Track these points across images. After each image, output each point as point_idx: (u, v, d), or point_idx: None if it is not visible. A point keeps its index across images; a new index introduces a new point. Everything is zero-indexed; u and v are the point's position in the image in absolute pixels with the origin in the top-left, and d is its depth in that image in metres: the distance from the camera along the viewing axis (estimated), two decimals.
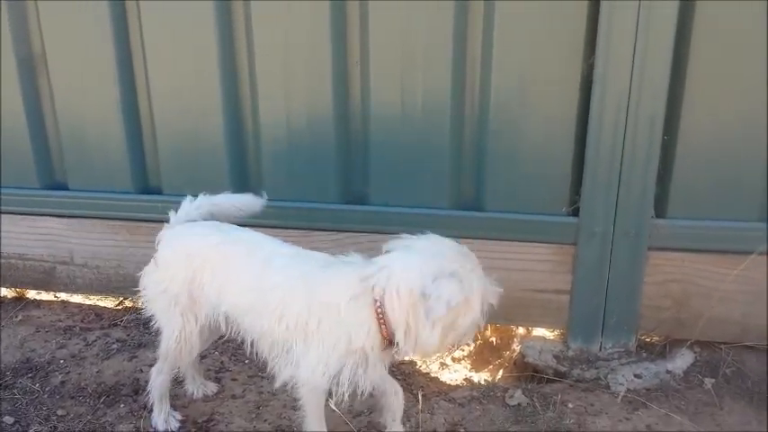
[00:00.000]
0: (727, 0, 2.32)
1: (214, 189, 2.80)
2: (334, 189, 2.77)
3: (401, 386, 2.18)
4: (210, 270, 2.12)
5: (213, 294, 2.12)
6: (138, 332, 2.90)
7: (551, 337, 2.79)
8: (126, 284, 3.04)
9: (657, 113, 2.42)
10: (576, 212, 2.60)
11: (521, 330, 2.94)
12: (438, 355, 2.18)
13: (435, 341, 1.82)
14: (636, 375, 2.49)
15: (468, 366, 2.89)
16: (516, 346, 2.84)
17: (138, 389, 2.52)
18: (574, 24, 2.42)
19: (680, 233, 2.55)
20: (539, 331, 2.85)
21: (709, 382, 2.48)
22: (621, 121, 2.43)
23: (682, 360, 2.58)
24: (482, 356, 2.93)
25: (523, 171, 2.60)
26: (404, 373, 2.62)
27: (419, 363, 2.72)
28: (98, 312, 3.11)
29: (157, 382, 2.33)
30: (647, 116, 2.42)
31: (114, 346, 2.82)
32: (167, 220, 2.30)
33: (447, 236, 1.99)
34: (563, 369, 2.57)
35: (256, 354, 2.10)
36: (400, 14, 2.52)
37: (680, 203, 2.54)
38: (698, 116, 2.45)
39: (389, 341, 1.89)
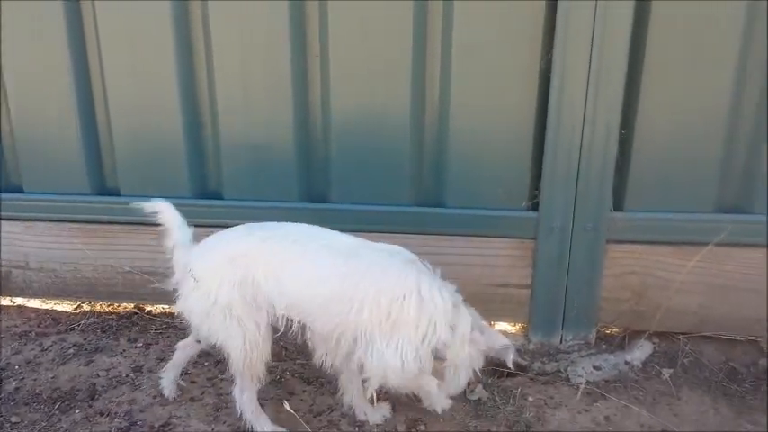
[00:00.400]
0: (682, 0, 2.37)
1: (173, 190, 2.80)
2: (296, 188, 2.74)
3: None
4: (264, 268, 2.07)
5: (273, 292, 2.07)
6: (95, 336, 2.85)
7: (513, 331, 2.80)
8: (83, 288, 2.99)
9: (614, 108, 2.44)
10: (535, 207, 2.61)
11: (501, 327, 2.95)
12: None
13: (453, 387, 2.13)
14: (595, 367, 2.51)
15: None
16: None
17: (94, 394, 2.47)
18: (532, 21, 2.43)
19: (637, 226, 2.58)
20: (501, 325, 2.86)
21: (667, 372, 2.51)
22: (579, 116, 2.45)
23: (640, 351, 2.60)
24: None
25: (483, 167, 2.60)
26: None
27: None
28: (55, 317, 3.05)
29: (244, 400, 2.21)
30: (603, 111, 2.44)
31: (71, 350, 2.76)
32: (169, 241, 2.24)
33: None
34: (524, 362, 2.58)
35: (310, 344, 2.14)
36: (359, 14, 2.51)
37: (637, 196, 2.57)
38: (654, 110, 2.48)
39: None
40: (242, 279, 2.07)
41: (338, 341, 2.06)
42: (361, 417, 2.31)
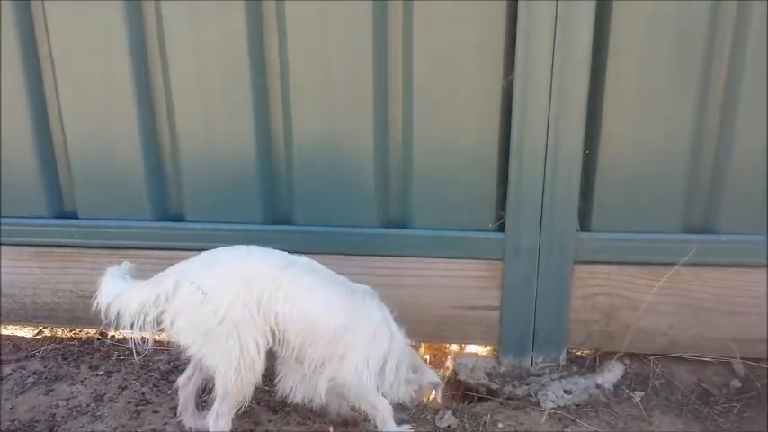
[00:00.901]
0: (641, 16, 2.35)
1: (132, 212, 2.74)
2: (260, 210, 2.69)
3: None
4: (285, 291, 2.08)
5: (289, 315, 2.08)
6: (55, 364, 2.77)
7: (484, 354, 2.76)
8: (43, 314, 2.91)
9: (577, 129, 2.42)
10: (502, 228, 2.58)
11: (454, 347, 2.91)
12: None
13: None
14: (566, 391, 2.47)
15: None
16: (450, 364, 2.80)
17: (54, 426, 2.40)
18: (493, 41, 2.40)
19: (604, 246, 2.55)
20: (472, 348, 2.82)
21: (638, 395, 2.48)
22: (542, 136, 2.43)
23: (611, 373, 2.57)
24: None
25: (448, 188, 2.57)
26: None
27: None
28: (16, 343, 2.96)
29: (219, 425, 2.14)
30: (567, 131, 2.42)
31: (30, 379, 2.68)
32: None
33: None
34: (495, 386, 2.54)
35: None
36: (318, 34, 2.47)
37: (603, 217, 2.54)
38: (617, 131, 2.46)
39: None
40: (256, 298, 2.06)
41: (327, 364, 2.15)
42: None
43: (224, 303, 2.03)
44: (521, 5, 2.33)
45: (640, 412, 2.42)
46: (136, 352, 2.22)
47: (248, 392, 2.12)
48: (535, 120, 2.42)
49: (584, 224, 2.56)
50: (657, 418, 2.40)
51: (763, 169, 2.46)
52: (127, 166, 2.70)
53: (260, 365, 2.09)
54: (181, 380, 2.33)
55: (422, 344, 2.88)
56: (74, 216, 2.80)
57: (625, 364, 2.62)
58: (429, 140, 2.53)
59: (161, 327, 2.11)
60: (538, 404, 2.45)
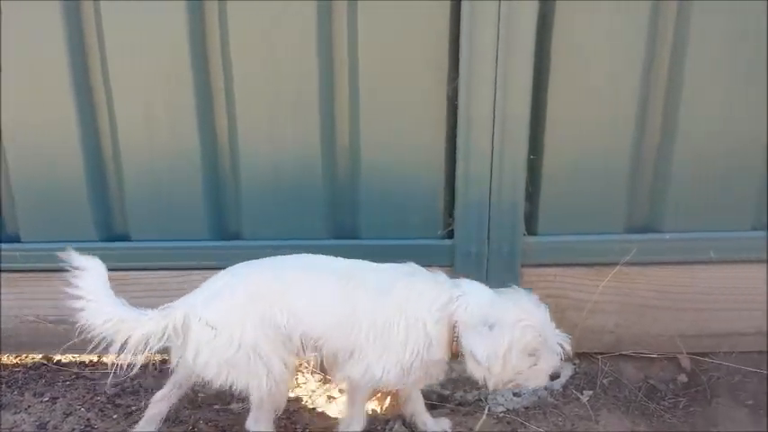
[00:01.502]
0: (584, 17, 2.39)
1: (76, 233, 2.67)
2: (207, 226, 2.65)
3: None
4: (279, 303, 2.10)
5: (289, 323, 2.10)
6: None
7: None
8: None
9: (522, 134, 2.46)
10: (451, 235, 2.60)
11: None
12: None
13: (478, 378, 2.08)
14: (515, 394, 2.50)
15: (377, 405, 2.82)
16: None
17: None
18: (436, 48, 2.42)
19: (551, 249, 2.60)
20: None
21: (587, 394, 2.52)
22: (487, 142, 2.46)
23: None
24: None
25: (397, 197, 2.58)
26: (288, 411, 2.53)
27: (305, 398, 2.64)
28: None
29: (260, 428, 2.19)
30: (512, 137, 2.45)
31: None
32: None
33: None
34: (446, 393, 2.55)
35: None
36: (263, 48, 2.45)
37: (550, 220, 2.59)
38: (561, 134, 2.50)
39: (455, 356, 2.14)
40: (261, 317, 2.08)
41: (341, 360, 2.15)
42: (421, 428, 2.39)
43: (236, 331, 2.06)
44: (464, 6, 2.34)
45: (588, 412, 2.45)
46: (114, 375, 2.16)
47: (283, 400, 2.19)
48: (480, 126, 2.45)
49: (532, 228, 2.60)
50: (604, 417, 2.44)
51: (705, 168, 2.53)
52: (70, 188, 2.63)
53: (288, 374, 2.14)
54: (157, 396, 2.32)
55: None
56: (16, 239, 2.72)
57: (574, 364, 2.66)
58: (376, 148, 2.53)
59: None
60: (488, 409, 2.47)
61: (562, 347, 2.07)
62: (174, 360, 2.16)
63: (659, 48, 2.43)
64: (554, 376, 2.08)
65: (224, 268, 2.61)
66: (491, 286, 2.52)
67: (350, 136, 2.55)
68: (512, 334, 1.99)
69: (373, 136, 2.52)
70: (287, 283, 2.14)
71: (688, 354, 2.68)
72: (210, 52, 2.49)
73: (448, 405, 2.51)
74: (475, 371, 2.06)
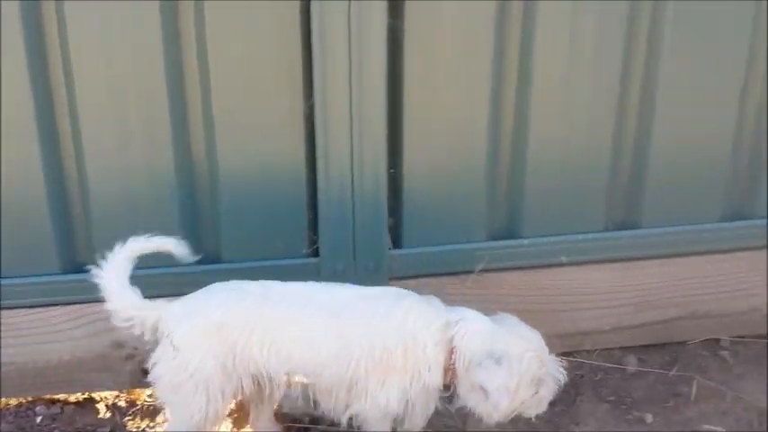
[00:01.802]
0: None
1: (38, 262, 2.47)
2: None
3: None
4: (260, 336, 2.03)
5: (271, 360, 2.04)
6: None
7: None
8: None
9: (379, 148, 2.46)
10: (316, 253, 2.57)
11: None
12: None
13: (481, 411, 2.08)
14: None
15: (230, 424, 2.73)
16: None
17: None
18: (289, 65, 2.38)
19: (416, 260, 2.62)
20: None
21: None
22: (347, 158, 2.44)
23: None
24: (244, 411, 2.79)
25: (257, 217, 2.52)
26: None
27: None
28: None
29: None
30: (370, 151, 2.45)
31: None
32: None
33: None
34: (318, 413, 2.50)
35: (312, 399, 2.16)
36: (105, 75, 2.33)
37: (413, 232, 2.61)
38: (417, 145, 2.52)
39: (448, 386, 2.11)
40: (230, 349, 2.02)
41: (337, 395, 2.10)
42: None
43: (194, 359, 2.01)
44: (313, 24, 2.29)
45: (458, 422, 2.48)
46: None
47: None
48: (338, 142, 2.43)
49: (397, 241, 2.61)
50: (471, 421, 2.44)
51: (558, 173, 2.62)
52: (31, 207, 2.42)
53: (223, 414, 2.12)
54: None
55: None
56: None
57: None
58: (234, 166, 2.46)
59: None
60: (359, 427, 2.45)
61: (560, 374, 2.08)
62: None
63: (508, 47, 2.47)
64: (551, 403, 2.12)
65: None
66: None
67: (207, 154, 2.46)
68: (519, 366, 1.98)
69: (230, 154, 2.44)
70: (271, 315, 2.05)
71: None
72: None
73: (319, 427, 2.47)
74: (479, 405, 2.05)
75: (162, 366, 2.05)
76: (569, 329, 2.77)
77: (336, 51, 2.32)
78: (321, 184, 2.46)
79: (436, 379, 2.07)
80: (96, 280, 2.09)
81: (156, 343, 2.11)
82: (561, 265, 2.65)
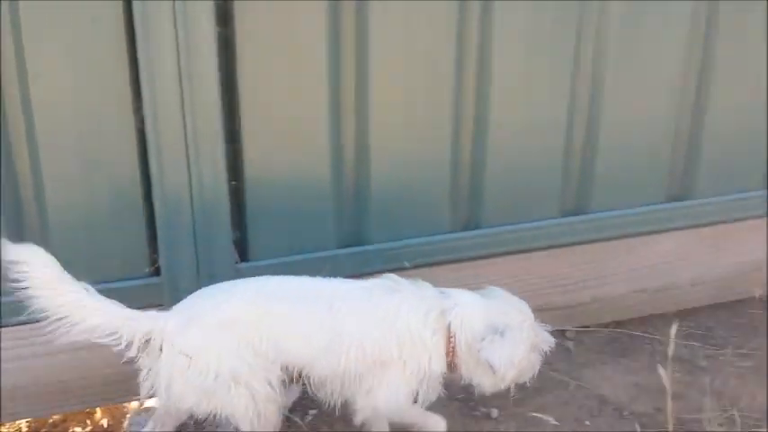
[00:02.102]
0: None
1: None
2: None
3: None
4: (257, 331, 2.04)
5: (270, 351, 2.05)
6: None
7: None
8: None
9: (219, 159, 2.40)
10: (158, 271, 2.47)
11: (135, 404, 2.72)
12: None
13: (487, 385, 2.17)
14: None
15: None
16: (126, 424, 2.61)
17: None
18: (117, 78, 2.28)
19: (265, 273, 2.49)
20: (151, 401, 2.66)
21: (311, 413, 2.53)
22: (183, 172, 2.37)
23: (289, 396, 2.58)
24: None
25: (96, 240, 2.40)
26: None
27: None
28: None
29: None
30: (209, 164, 2.38)
31: None
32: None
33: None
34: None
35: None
36: None
37: (260, 244, 2.57)
38: (259, 155, 2.48)
39: (452, 368, 2.16)
40: (239, 344, 2.02)
41: (332, 388, 2.14)
42: None
43: (212, 360, 1.99)
44: (137, 29, 2.21)
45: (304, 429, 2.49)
46: None
47: (276, 421, 2.12)
48: (173, 155, 2.35)
49: (244, 254, 2.56)
50: None
51: (401, 179, 2.67)
52: None
53: (276, 395, 2.08)
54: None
55: (96, 409, 2.66)
56: None
57: (303, 385, 2.65)
58: (63, 185, 2.33)
59: None
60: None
61: (548, 342, 2.19)
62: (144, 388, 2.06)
63: (344, 51, 2.49)
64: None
65: None
66: None
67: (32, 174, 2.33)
68: (521, 336, 2.09)
69: (57, 177, 2.32)
70: (265, 309, 2.07)
71: None
72: None
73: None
74: (485, 380, 2.14)
75: (180, 381, 1.99)
76: None
77: (164, 60, 2.25)
78: (157, 200, 2.37)
79: (439, 367, 2.12)
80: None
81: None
82: (404, 269, 2.66)
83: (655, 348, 2.93)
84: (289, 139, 2.51)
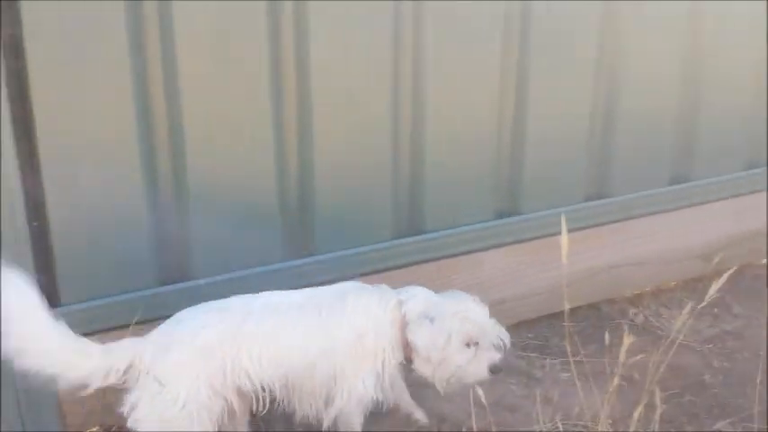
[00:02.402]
0: None
1: None
2: None
3: None
4: (248, 351, 2.06)
5: (261, 370, 2.08)
6: None
7: None
8: None
9: (16, 200, 2.24)
10: None
11: None
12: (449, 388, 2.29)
13: (428, 374, 2.25)
14: None
15: None
16: None
17: None
18: None
19: (74, 319, 2.36)
20: None
21: None
22: None
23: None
24: None
25: None
26: None
27: None
28: None
29: None
30: (6, 205, 2.21)
31: None
32: None
33: None
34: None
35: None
36: None
37: (70, 288, 2.42)
38: (63, 196, 2.34)
39: (409, 359, 2.26)
40: (217, 369, 2.03)
41: (320, 394, 2.19)
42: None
43: (183, 389, 1.99)
44: None
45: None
46: None
47: None
48: None
49: (53, 300, 2.35)
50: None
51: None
52: None
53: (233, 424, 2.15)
54: None
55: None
56: None
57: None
58: None
59: None
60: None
61: (503, 341, 2.22)
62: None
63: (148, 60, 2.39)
64: (494, 370, 2.21)
65: None
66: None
67: None
68: (450, 325, 2.14)
69: None
70: (253, 328, 2.09)
71: None
72: None
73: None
74: (421, 367, 2.21)
75: (146, 406, 1.98)
76: None
77: None
78: None
79: (397, 356, 2.23)
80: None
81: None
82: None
83: None
84: (94, 176, 2.36)
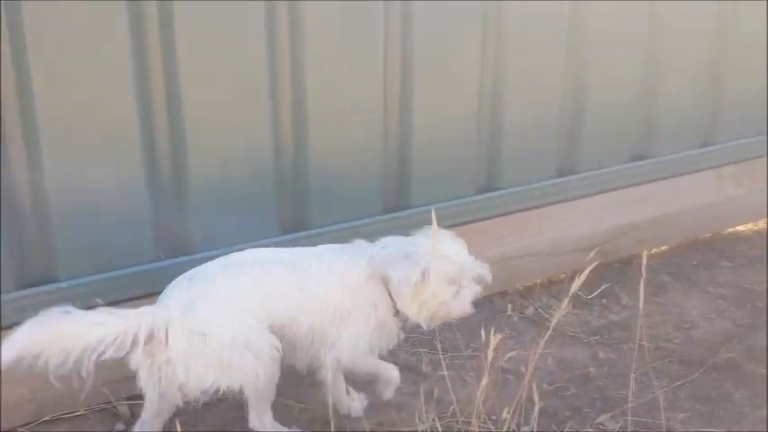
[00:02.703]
0: None
1: None
2: None
3: None
4: (250, 297, 2.17)
5: (264, 313, 2.18)
6: None
7: None
8: None
9: None
10: None
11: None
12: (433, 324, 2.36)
13: (414, 313, 2.28)
14: None
15: None
16: None
17: None
18: None
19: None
20: None
21: None
22: None
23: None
24: None
25: None
26: None
27: None
28: None
29: (266, 422, 2.30)
30: None
31: None
32: None
33: None
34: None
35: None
36: None
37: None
38: None
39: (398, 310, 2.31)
40: (242, 310, 2.13)
41: (306, 345, 2.28)
42: (344, 411, 2.50)
43: (225, 332, 2.08)
44: None
45: None
46: None
47: (275, 386, 2.24)
48: None
49: None
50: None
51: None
52: None
53: (278, 356, 2.18)
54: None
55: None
56: None
57: None
58: None
59: None
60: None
61: (482, 275, 2.27)
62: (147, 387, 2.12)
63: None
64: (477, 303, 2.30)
65: None
66: None
67: None
68: (426, 261, 2.17)
69: None
70: (254, 278, 2.20)
71: (125, 400, 2.58)
72: None
73: None
74: (406, 308, 2.24)
75: (200, 361, 2.05)
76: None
77: None
78: None
79: (382, 312, 2.28)
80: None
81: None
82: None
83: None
84: None
